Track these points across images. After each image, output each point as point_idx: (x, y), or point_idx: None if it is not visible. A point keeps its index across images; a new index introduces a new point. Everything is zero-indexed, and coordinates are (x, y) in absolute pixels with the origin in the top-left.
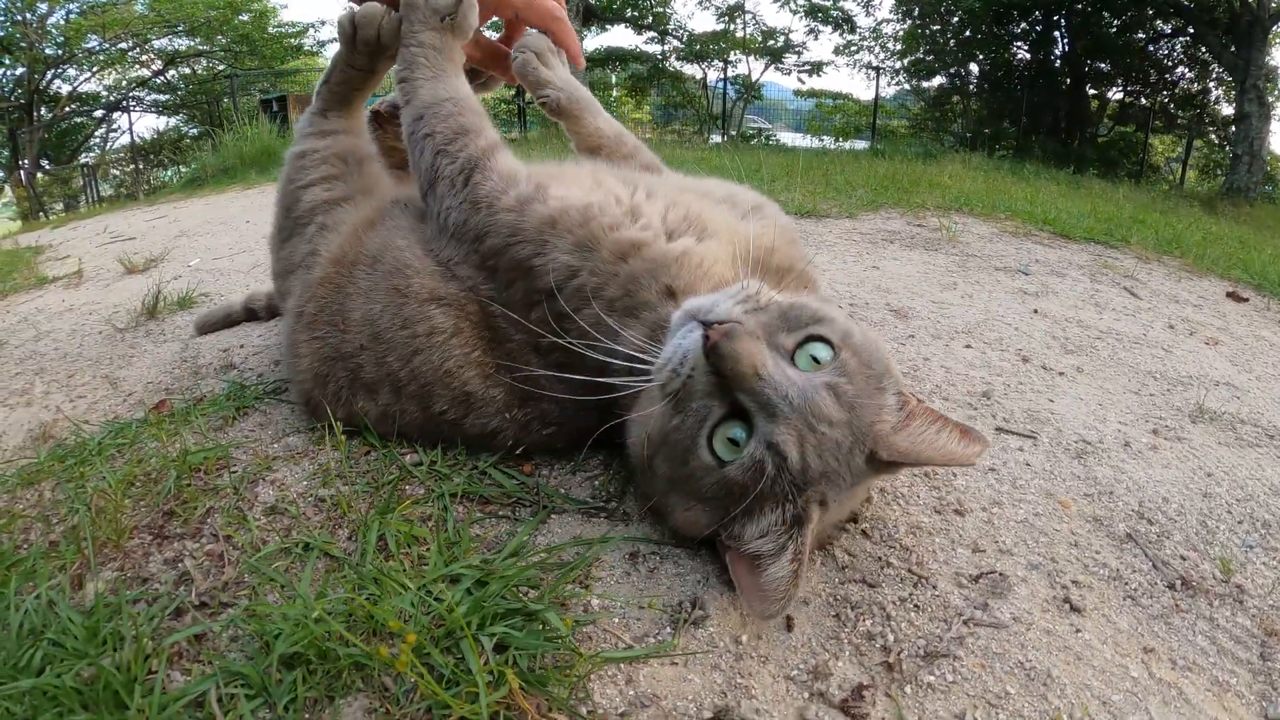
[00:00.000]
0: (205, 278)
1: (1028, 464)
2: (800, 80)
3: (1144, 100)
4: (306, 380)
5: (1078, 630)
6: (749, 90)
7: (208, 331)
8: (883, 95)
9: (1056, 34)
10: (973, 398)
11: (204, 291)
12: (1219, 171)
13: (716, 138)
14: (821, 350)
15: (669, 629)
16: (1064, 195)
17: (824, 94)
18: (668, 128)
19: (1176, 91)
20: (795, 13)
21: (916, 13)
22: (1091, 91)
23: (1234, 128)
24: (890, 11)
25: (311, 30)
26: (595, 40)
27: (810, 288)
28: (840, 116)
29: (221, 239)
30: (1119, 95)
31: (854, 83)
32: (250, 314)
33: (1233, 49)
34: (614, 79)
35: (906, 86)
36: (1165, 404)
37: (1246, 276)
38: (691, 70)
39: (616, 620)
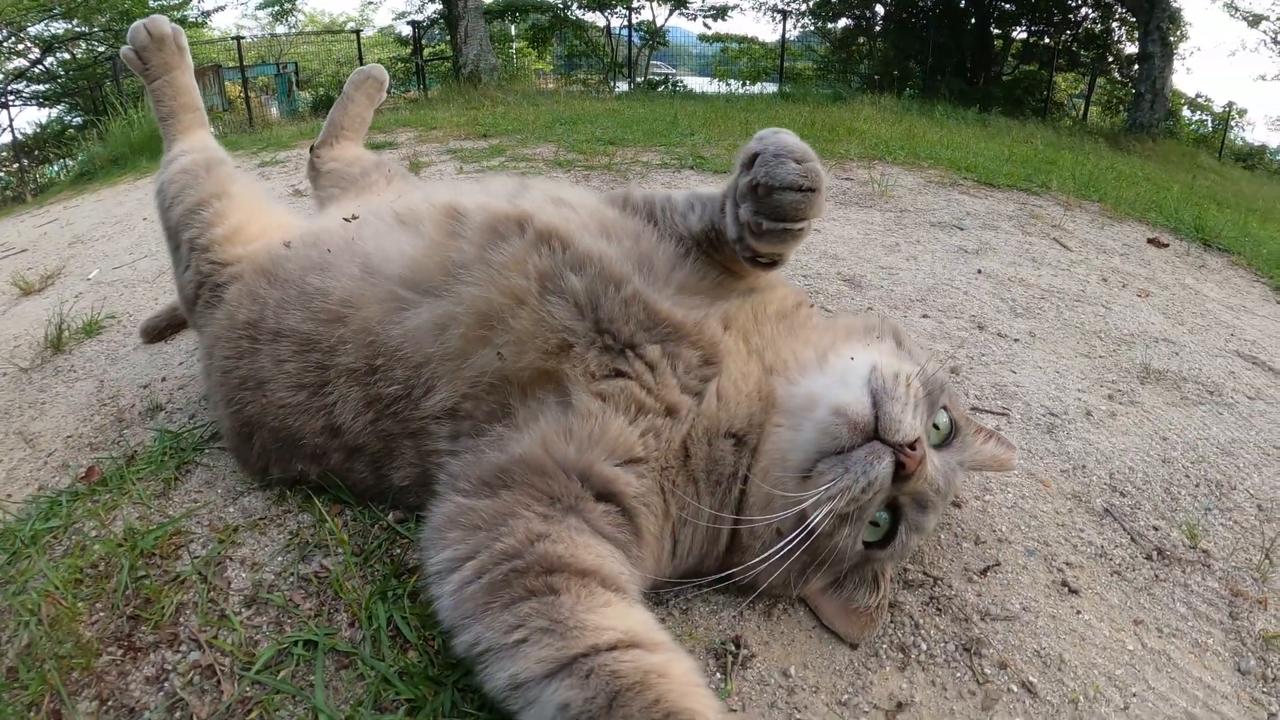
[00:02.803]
0: (109, 293)
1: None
2: (706, 25)
3: (1048, 40)
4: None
5: (1078, 612)
6: (653, 36)
7: (155, 338)
8: (788, 37)
9: None
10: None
11: (110, 313)
12: (1121, 108)
13: (622, 85)
14: (943, 417)
15: (719, 673)
16: (977, 137)
17: (729, 38)
18: (571, 77)
19: (1080, 31)
20: None
21: None
22: (996, 31)
23: (1137, 67)
24: None
25: (194, 1)
26: None
27: (803, 302)
28: (746, 60)
29: (119, 242)
30: (1023, 35)
31: (759, 26)
32: None
33: None
34: (513, 30)
35: (812, 28)
36: (1114, 366)
37: (1162, 219)
38: (594, 18)
39: None
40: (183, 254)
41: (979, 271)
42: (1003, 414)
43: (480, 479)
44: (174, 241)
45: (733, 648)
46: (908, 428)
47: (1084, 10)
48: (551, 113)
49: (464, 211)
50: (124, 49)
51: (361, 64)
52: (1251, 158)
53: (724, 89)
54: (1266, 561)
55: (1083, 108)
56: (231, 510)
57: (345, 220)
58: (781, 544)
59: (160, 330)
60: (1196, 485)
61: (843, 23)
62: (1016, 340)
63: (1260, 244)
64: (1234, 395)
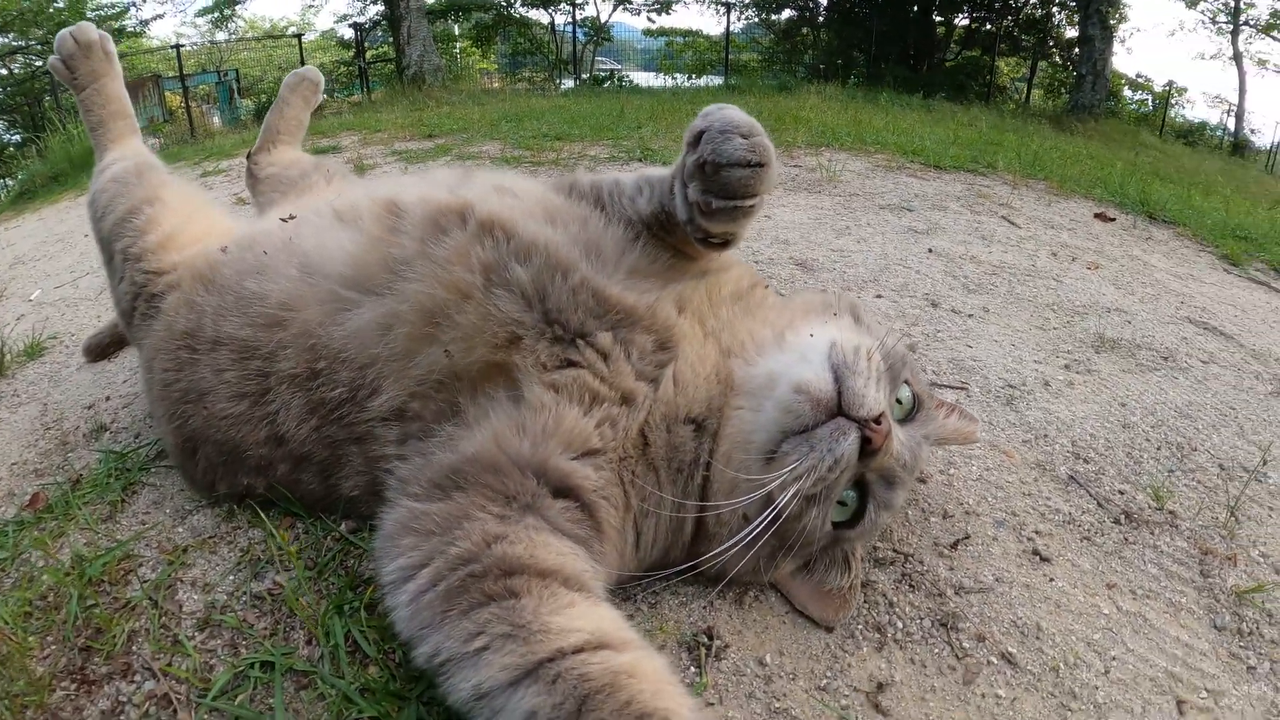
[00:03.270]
0: (50, 313)
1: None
2: (650, 20)
3: (989, 25)
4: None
5: (1051, 579)
6: (598, 32)
7: (99, 357)
8: (732, 30)
9: None
10: None
11: (52, 333)
12: (1062, 90)
13: (568, 82)
14: (905, 391)
15: (693, 667)
16: (922, 122)
17: (674, 32)
18: (516, 76)
19: (1021, 16)
20: None
21: None
22: (938, 18)
23: (1077, 49)
24: None
25: (133, 8)
26: None
27: (758, 283)
28: (691, 54)
29: (61, 260)
30: (965, 21)
31: (703, 19)
32: None
33: None
34: (457, 30)
35: (756, 20)
36: (1069, 336)
37: (1108, 195)
38: (538, 15)
39: None
40: (116, 265)
41: (930, 251)
42: (961, 388)
43: (431, 481)
44: (107, 253)
45: (705, 639)
46: (872, 402)
47: None
48: (497, 111)
49: (404, 205)
50: (51, 58)
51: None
52: (1192, 134)
53: (670, 83)
54: (1232, 519)
55: (1025, 91)
56: (180, 530)
57: (283, 220)
58: (749, 529)
59: (103, 348)
60: (1158, 448)
61: (786, 14)
62: (971, 316)
63: (1204, 215)
64: (1188, 360)
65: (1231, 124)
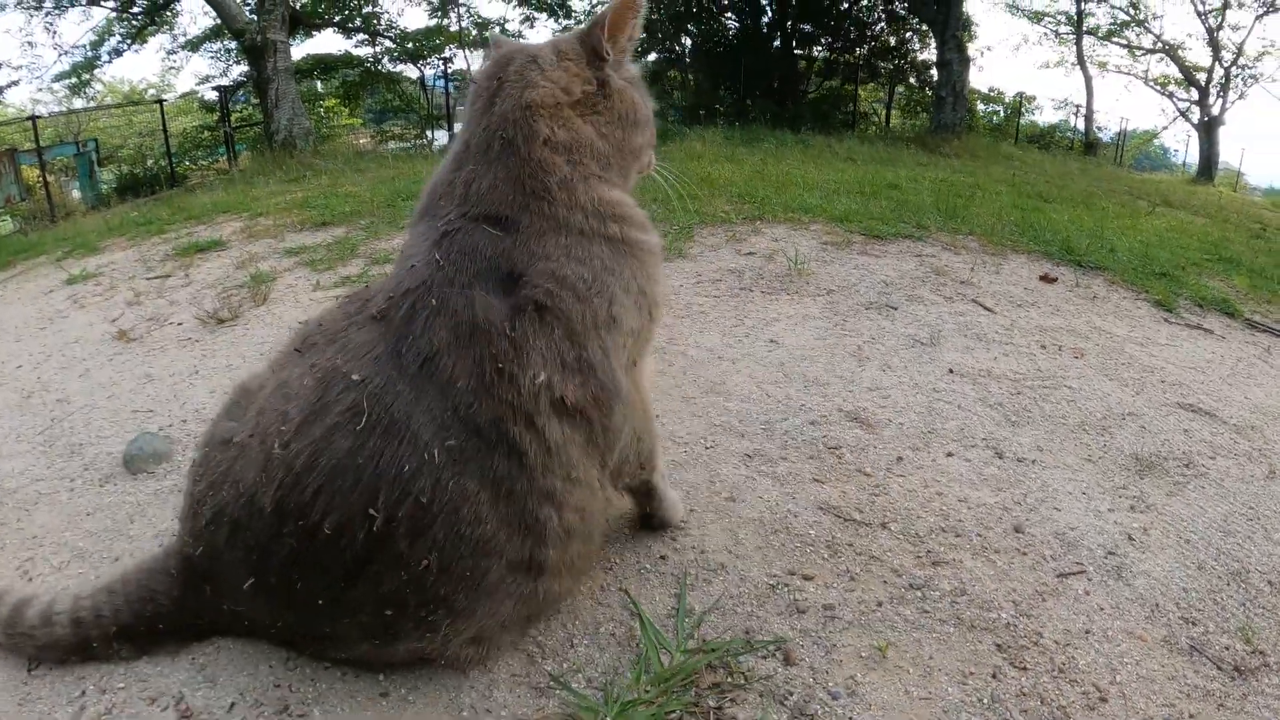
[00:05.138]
0: None
1: (1100, 608)
2: None
3: (848, 56)
4: None
5: None
6: (468, 85)
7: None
8: None
9: (763, 1)
10: (1008, 536)
11: None
12: (919, 110)
13: (441, 136)
14: None
15: None
16: (806, 160)
17: None
18: (385, 131)
19: (877, 45)
20: (509, 1)
21: None
22: (799, 52)
23: (935, 73)
24: None
25: None
26: (301, 49)
27: None
28: None
29: None
30: (824, 53)
31: None
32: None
33: (934, 5)
34: (320, 87)
35: None
36: (1113, 465)
37: (1033, 244)
38: (407, 70)
39: None
40: None
41: (950, 371)
42: (1080, 572)
43: None
44: None
45: None
46: None
47: (879, 25)
48: (385, 183)
49: None
50: None
51: (166, 134)
52: (1044, 137)
53: None
54: None
55: (884, 114)
56: None
57: None
58: None
59: None
60: (1226, 583)
61: (652, 57)
62: (1034, 462)
63: (1113, 248)
64: (1202, 462)
65: (1081, 124)
